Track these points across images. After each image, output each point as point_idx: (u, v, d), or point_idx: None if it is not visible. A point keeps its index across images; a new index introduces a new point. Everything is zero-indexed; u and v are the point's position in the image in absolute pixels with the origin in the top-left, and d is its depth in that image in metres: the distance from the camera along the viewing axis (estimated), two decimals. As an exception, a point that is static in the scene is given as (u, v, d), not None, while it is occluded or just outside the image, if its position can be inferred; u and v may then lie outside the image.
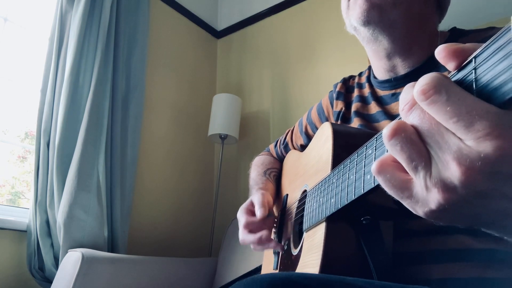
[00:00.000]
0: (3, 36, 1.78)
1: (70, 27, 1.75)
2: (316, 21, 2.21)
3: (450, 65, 0.27)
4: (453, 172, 0.25)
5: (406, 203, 0.30)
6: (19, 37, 1.87)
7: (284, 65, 2.31)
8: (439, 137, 0.26)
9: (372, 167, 0.31)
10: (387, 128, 0.29)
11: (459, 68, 0.27)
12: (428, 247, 0.59)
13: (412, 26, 0.68)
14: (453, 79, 0.27)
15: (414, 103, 0.27)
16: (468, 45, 0.26)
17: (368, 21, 0.66)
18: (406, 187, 0.29)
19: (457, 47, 0.27)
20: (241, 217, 0.82)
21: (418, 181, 0.28)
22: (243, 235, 0.80)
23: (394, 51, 0.71)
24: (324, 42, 2.14)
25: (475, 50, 0.26)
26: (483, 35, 0.66)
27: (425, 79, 0.26)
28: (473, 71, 0.25)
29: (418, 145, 0.27)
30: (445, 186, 0.26)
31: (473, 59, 0.25)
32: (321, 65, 2.12)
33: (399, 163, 0.30)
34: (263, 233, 0.76)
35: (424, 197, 0.28)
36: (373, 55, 0.77)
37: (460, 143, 0.25)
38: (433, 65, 0.68)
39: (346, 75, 0.95)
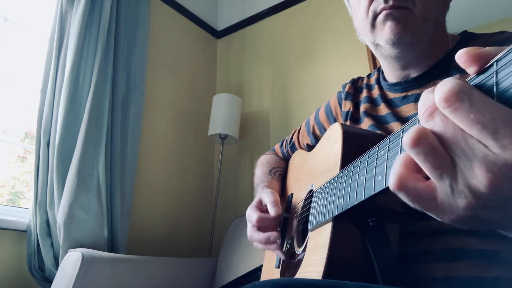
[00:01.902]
0: (3, 36, 1.77)
1: (70, 27, 1.74)
2: (316, 21, 2.22)
3: (471, 70, 0.27)
4: (480, 179, 0.25)
5: (431, 213, 0.30)
6: (19, 37, 1.86)
7: (284, 65, 2.31)
8: (464, 144, 0.26)
9: (390, 184, 0.30)
10: (407, 136, 0.28)
11: (480, 71, 0.27)
12: (432, 247, 0.59)
13: (436, 36, 0.68)
14: (472, 82, 0.27)
15: (435, 109, 0.27)
16: (489, 48, 0.26)
17: (399, 42, 0.65)
18: (430, 198, 0.29)
19: (479, 52, 0.26)
20: (253, 213, 0.81)
21: (444, 188, 0.28)
22: (252, 232, 0.80)
23: (413, 62, 0.70)
24: (324, 42, 2.15)
25: (497, 54, 0.25)
26: (494, 38, 0.66)
27: (446, 86, 0.26)
28: (494, 74, 0.25)
29: (442, 153, 0.27)
30: (472, 193, 0.26)
31: (495, 63, 0.25)
32: (321, 65, 2.12)
33: (417, 173, 0.29)
34: (272, 234, 0.76)
35: (450, 205, 0.28)
36: (387, 67, 0.76)
37: (486, 150, 0.25)
38: (444, 67, 0.68)
39: (346, 75, 0.95)
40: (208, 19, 2.67)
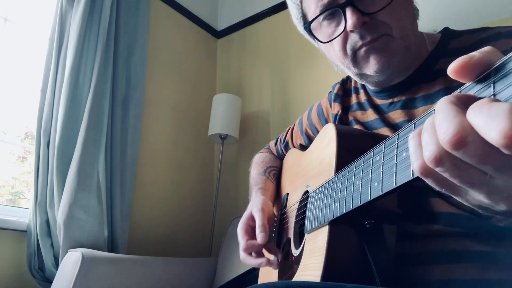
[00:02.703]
0: (3, 36, 1.78)
1: (70, 27, 1.74)
2: (316, 21, 2.21)
3: (465, 81, 0.27)
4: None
5: (459, 198, 0.30)
6: (19, 37, 1.86)
7: (284, 65, 2.31)
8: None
9: (415, 169, 0.30)
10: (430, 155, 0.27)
11: (475, 81, 0.26)
12: (430, 249, 0.59)
13: (414, 46, 0.66)
14: (469, 91, 0.27)
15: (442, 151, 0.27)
16: (477, 58, 0.26)
17: (388, 68, 0.63)
18: (459, 186, 0.29)
19: (467, 64, 0.26)
20: (241, 238, 0.81)
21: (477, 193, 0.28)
22: (244, 256, 0.80)
23: (397, 75, 0.69)
24: (324, 42, 2.14)
25: (488, 60, 0.25)
26: (476, 37, 0.65)
27: (448, 127, 0.25)
28: (492, 84, 0.24)
29: (467, 168, 0.27)
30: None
31: (491, 73, 0.24)
32: (321, 65, 2.12)
33: None
34: (263, 261, 0.76)
35: (483, 199, 0.28)
36: (371, 85, 0.74)
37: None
38: (427, 70, 0.67)
39: (346, 75, 0.94)
40: (208, 19, 2.67)
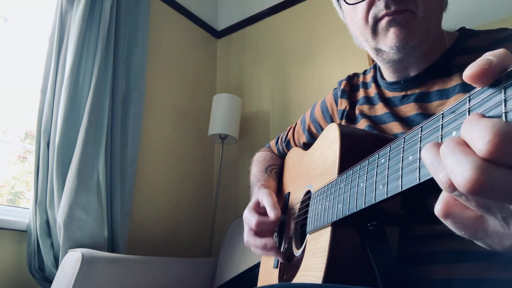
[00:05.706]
0: (3, 36, 1.77)
1: (70, 27, 1.74)
2: (316, 21, 2.22)
3: (479, 86, 0.26)
4: None
5: (481, 243, 0.29)
6: (19, 37, 1.86)
7: (284, 65, 2.31)
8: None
9: (436, 211, 0.29)
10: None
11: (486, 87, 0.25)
12: (432, 248, 0.59)
13: (436, 36, 0.66)
14: (478, 97, 0.26)
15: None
16: (495, 65, 0.25)
17: (404, 47, 0.62)
18: (479, 227, 0.28)
19: (486, 72, 0.25)
20: (251, 216, 0.79)
21: (494, 220, 0.27)
22: (249, 237, 0.79)
23: (414, 63, 0.69)
24: (324, 41, 2.14)
25: (505, 66, 0.24)
26: (494, 36, 0.64)
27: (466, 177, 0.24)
28: (502, 90, 0.23)
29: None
30: None
31: (502, 77, 0.24)
32: (321, 65, 2.12)
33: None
34: (268, 241, 0.74)
35: (504, 233, 0.27)
36: (387, 69, 0.74)
37: None
38: (443, 65, 0.67)
39: (346, 74, 0.93)
40: (208, 19, 2.67)
